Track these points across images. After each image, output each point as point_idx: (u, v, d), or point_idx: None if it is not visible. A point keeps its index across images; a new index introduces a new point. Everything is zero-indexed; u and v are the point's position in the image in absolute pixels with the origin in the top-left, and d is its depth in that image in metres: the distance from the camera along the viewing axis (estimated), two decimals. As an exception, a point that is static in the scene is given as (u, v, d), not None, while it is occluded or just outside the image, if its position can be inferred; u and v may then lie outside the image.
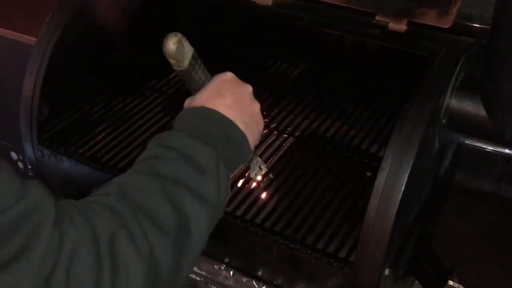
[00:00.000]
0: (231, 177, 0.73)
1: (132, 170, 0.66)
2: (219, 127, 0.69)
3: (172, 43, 0.70)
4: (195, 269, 1.02)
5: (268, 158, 1.05)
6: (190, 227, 0.61)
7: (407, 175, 0.77)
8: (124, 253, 0.55)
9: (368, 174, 1.02)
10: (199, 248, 0.64)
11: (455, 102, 0.88)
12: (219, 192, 0.66)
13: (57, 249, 0.51)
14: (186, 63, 0.71)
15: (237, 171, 1.02)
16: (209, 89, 0.74)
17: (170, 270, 0.59)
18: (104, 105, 1.18)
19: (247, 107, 0.74)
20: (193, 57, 0.72)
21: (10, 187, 0.50)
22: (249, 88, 0.77)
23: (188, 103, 0.76)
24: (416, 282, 1.02)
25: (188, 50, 0.71)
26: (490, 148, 1.07)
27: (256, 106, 0.77)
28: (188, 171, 0.64)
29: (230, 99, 0.72)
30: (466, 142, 1.08)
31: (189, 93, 0.78)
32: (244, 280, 0.98)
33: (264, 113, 1.18)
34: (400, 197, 0.77)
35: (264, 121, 1.14)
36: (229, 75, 0.76)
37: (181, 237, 0.60)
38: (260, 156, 1.06)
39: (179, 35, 0.70)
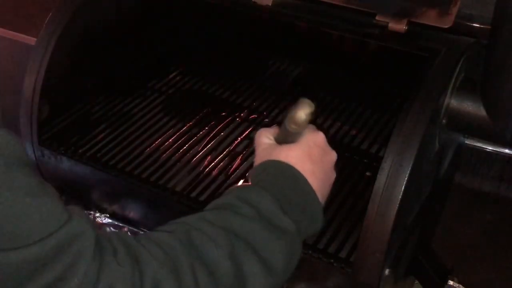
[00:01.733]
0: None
1: (205, 215, 0.62)
2: (304, 200, 0.66)
3: (305, 114, 0.66)
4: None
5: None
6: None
7: (407, 175, 0.77)
8: None
9: (368, 174, 1.02)
10: None
11: (455, 102, 0.88)
12: (287, 267, 0.63)
13: (94, 283, 0.49)
14: (302, 128, 0.68)
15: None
16: (300, 148, 0.69)
17: None
18: (104, 105, 1.18)
19: (329, 179, 0.72)
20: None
21: (53, 213, 0.49)
22: (334, 157, 0.74)
23: (269, 143, 0.72)
24: (416, 282, 1.02)
25: (311, 118, 0.68)
26: (490, 148, 1.07)
27: (334, 176, 0.74)
28: (262, 235, 0.61)
29: (319, 168, 0.69)
30: (466, 142, 1.08)
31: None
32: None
33: (264, 113, 1.18)
34: (400, 197, 0.77)
35: (265, 121, 1.15)
36: (321, 138, 0.72)
37: None
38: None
39: (313, 107, 0.66)
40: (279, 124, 0.73)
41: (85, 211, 1.05)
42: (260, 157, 0.72)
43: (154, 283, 0.52)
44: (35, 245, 0.47)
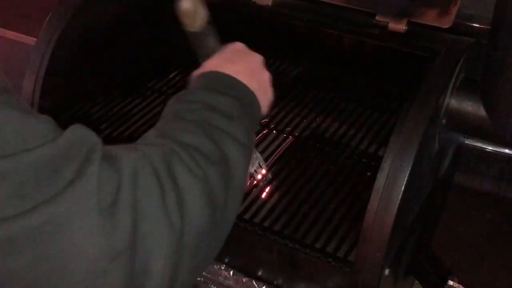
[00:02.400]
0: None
1: (161, 122, 0.64)
2: (233, 88, 0.68)
3: (191, 2, 0.69)
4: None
5: (268, 157, 1.05)
6: (230, 164, 0.60)
7: (407, 175, 0.77)
8: (183, 176, 0.54)
9: (368, 174, 1.02)
10: (240, 190, 0.63)
11: (455, 102, 0.88)
12: (249, 138, 0.65)
13: (117, 171, 0.49)
14: (198, 24, 0.70)
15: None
16: (219, 56, 0.74)
17: (222, 199, 0.58)
18: (104, 105, 1.18)
19: (257, 74, 0.74)
20: (207, 21, 0.71)
21: (52, 126, 0.49)
22: (259, 57, 0.77)
23: (196, 73, 0.75)
24: (416, 282, 1.02)
25: (203, 12, 0.70)
26: (490, 148, 1.07)
27: (266, 74, 0.76)
28: (217, 117, 0.63)
29: (240, 66, 0.72)
30: (466, 142, 1.08)
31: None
32: (244, 280, 0.98)
33: (264, 113, 1.18)
34: (400, 197, 0.77)
35: (264, 121, 1.15)
36: (239, 44, 0.77)
37: (225, 170, 0.60)
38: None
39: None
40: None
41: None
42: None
43: (165, 165, 0.53)
44: (50, 143, 0.47)
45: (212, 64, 0.72)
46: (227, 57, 0.73)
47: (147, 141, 0.59)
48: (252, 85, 0.71)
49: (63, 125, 0.50)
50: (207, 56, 0.74)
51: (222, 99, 0.65)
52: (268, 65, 1.35)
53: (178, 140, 0.58)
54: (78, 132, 0.50)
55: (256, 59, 0.77)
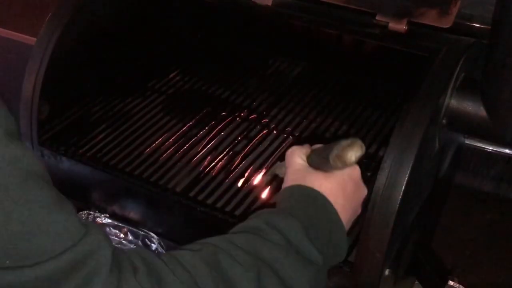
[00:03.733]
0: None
1: (233, 238, 0.61)
2: (332, 231, 0.66)
3: (355, 157, 0.65)
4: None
5: (268, 157, 1.05)
6: None
7: (407, 175, 0.77)
8: None
9: (368, 174, 1.02)
10: None
11: (455, 102, 0.88)
12: None
13: None
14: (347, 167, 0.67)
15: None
16: (336, 180, 0.69)
17: None
18: (104, 105, 1.18)
19: (355, 214, 0.73)
20: None
21: (68, 229, 0.48)
22: (365, 193, 0.74)
23: (303, 164, 0.71)
24: (416, 282, 1.02)
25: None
26: (490, 148, 1.07)
27: (359, 212, 0.75)
28: (289, 263, 0.60)
29: (349, 204, 0.69)
30: (466, 142, 1.08)
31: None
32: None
33: (264, 112, 1.18)
34: (400, 197, 0.77)
35: (264, 121, 1.15)
36: (357, 172, 0.72)
37: None
38: (259, 155, 1.06)
39: (364, 149, 0.66)
40: (308, 139, 0.73)
41: (93, 217, 1.06)
42: (292, 178, 0.71)
43: None
44: (50, 262, 0.46)
45: (327, 185, 0.68)
46: (343, 184, 0.69)
47: (191, 260, 0.55)
48: (347, 226, 0.69)
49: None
50: (326, 167, 0.69)
51: (308, 248, 0.62)
52: (268, 65, 1.36)
53: (221, 274, 0.55)
54: (88, 246, 0.48)
55: (363, 195, 0.74)
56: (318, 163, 0.70)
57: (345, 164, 0.66)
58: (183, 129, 1.13)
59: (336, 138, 0.68)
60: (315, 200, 0.67)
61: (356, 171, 0.72)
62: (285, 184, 0.71)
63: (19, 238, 0.45)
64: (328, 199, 0.67)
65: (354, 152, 0.65)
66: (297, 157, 0.72)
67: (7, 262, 0.45)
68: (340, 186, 0.69)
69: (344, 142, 0.65)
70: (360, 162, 0.69)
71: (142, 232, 1.03)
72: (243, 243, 0.60)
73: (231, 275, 0.56)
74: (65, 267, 0.47)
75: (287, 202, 0.67)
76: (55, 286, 0.46)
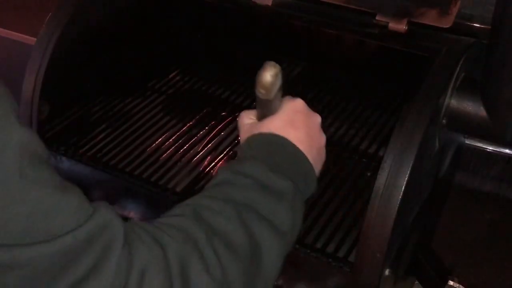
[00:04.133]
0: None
1: (205, 193, 0.63)
2: (293, 161, 0.67)
3: (270, 75, 0.66)
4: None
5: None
6: (262, 256, 0.59)
7: (407, 175, 0.77)
8: (196, 278, 0.53)
9: (368, 174, 1.02)
10: (270, 280, 0.62)
11: (455, 102, 0.88)
12: (294, 224, 0.64)
13: (127, 269, 0.49)
14: (273, 94, 0.68)
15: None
16: (281, 118, 0.70)
17: None
18: (104, 105, 1.18)
19: (316, 141, 0.72)
20: (279, 88, 0.68)
21: (79, 207, 0.49)
22: (318, 119, 0.74)
23: (251, 123, 0.72)
24: (416, 282, 1.02)
25: (279, 82, 0.68)
26: (490, 148, 1.07)
27: (323, 139, 0.74)
28: (264, 200, 0.62)
29: (302, 132, 0.70)
30: (466, 142, 1.08)
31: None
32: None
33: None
34: (400, 197, 0.77)
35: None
36: (300, 104, 0.73)
37: (252, 264, 0.58)
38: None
39: (278, 67, 0.67)
40: None
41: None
42: (243, 137, 0.72)
43: (180, 262, 0.53)
44: (67, 236, 0.47)
45: (275, 125, 0.69)
46: (290, 119, 0.70)
47: (177, 223, 0.57)
48: (312, 154, 0.70)
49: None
50: (270, 114, 0.71)
51: (275, 179, 0.63)
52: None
53: (209, 227, 0.57)
54: (102, 219, 0.50)
55: (317, 121, 0.74)
56: (261, 113, 0.71)
57: (266, 88, 0.66)
58: (183, 129, 1.13)
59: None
60: (268, 140, 0.68)
61: (298, 103, 0.72)
62: (240, 141, 0.73)
63: (36, 217, 0.46)
64: (280, 135, 0.68)
65: (268, 72, 0.66)
66: (245, 118, 0.74)
67: (27, 239, 0.45)
68: (286, 122, 0.69)
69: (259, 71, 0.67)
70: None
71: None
72: (216, 194, 0.62)
73: (216, 226, 0.57)
74: (82, 241, 0.48)
75: (244, 152, 0.69)
76: (75, 259, 0.47)
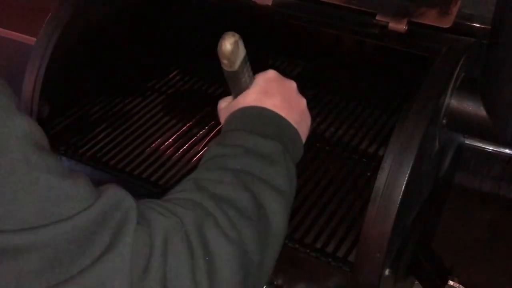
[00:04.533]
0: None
1: (201, 168, 0.64)
2: (275, 125, 0.68)
3: (229, 44, 0.67)
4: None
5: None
6: (268, 217, 0.60)
7: (407, 175, 0.77)
8: (215, 241, 0.54)
9: (368, 174, 1.02)
10: (279, 241, 0.62)
11: (455, 102, 0.88)
12: (290, 183, 0.65)
13: (150, 239, 0.50)
14: (237, 64, 0.68)
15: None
16: (254, 90, 0.71)
17: (257, 258, 0.57)
18: (104, 105, 1.18)
19: (295, 105, 0.73)
20: (244, 59, 0.69)
21: (88, 190, 0.49)
22: (293, 84, 0.75)
23: (227, 105, 0.73)
24: (416, 282, 1.02)
25: (242, 52, 0.68)
26: (490, 148, 1.07)
27: (303, 102, 0.75)
28: (257, 164, 0.62)
29: (278, 99, 0.70)
30: (466, 142, 1.08)
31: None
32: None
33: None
34: (400, 197, 0.77)
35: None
36: (272, 73, 0.74)
37: (262, 226, 0.59)
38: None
39: (237, 36, 0.67)
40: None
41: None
42: (223, 117, 0.73)
43: (198, 228, 0.53)
44: (80, 215, 0.47)
45: (250, 98, 0.70)
46: (263, 90, 0.71)
47: (183, 196, 0.58)
48: (292, 117, 0.70)
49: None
50: (242, 90, 0.72)
51: (263, 143, 0.64)
52: (268, 65, 1.35)
53: (214, 194, 0.58)
54: (112, 198, 0.50)
55: (292, 86, 0.74)
56: (235, 92, 0.72)
57: (227, 58, 0.67)
58: (183, 129, 1.13)
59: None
60: (247, 113, 0.69)
61: (269, 73, 0.73)
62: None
63: (48, 202, 0.46)
64: (257, 105, 0.69)
65: (227, 41, 0.67)
66: (222, 103, 0.75)
67: (40, 221, 0.45)
68: (260, 92, 0.70)
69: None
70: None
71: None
72: (211, 167, 0.63)
73: (220, 193, 0.58)
74: (96, 217, 0.48)
75: (226, 126, 0.70)
76: (91, 236, 0.47)
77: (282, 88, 0.72)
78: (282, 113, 0.69)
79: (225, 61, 0.68)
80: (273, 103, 0.69)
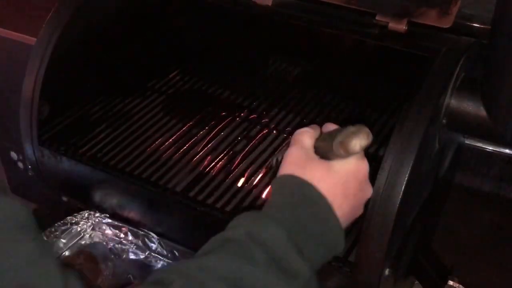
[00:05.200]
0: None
1: (209, 260, 0.56)
2: (326, 233, 0.61)
3: (359, 145, 0.60)
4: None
5: (268, 157, 1.05)
6: None
7: (407, 175, 0.77)
8: None
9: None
10: None
11: (455, 102, 0.88)
12: None
13: None
14: (351, 156, 0.63)
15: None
16: (337, 176, 0.63)
17: None
18: (104, 105, 1.18)
19: (354, 216, 0.68)
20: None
21: (50, 280, 0.48)
22: (370, 194, 0.70)
23: (305, 157, 0.65)
24: (416, 282, 1.02)
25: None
26: (490, 148, 1.07)
27: (360, 213, 0.69)
28: (271, 281, 0.55)
29: (348, 203, 0.64)
30: (466, 142, 1.08)
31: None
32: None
33: (264, 112, 1.18)
34: (400, 197, 0.77)
35: (264, 121, 1.15)
36: (364, 170, 0.66)
37: None
38: (259, 155, 1.06)
39: (371, 138, 0.60)
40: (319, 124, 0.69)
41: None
42: (291, 161, 0.65)
43: None
44: None
45: (327, 182, 0.62)
46: (344, 182, 0.64)
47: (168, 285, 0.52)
48: (345, 224, 0.64)
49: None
50: (330, 153, 0.64)
51: (294, 258, 0.57)
52: (268, 65, 1.36)
53: None
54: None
55: (366, 197, 0.68)
56: (323, 148, 0.65)
57: (348, 153, 0.61)
58: (183, 129, 1.13)
59: (346, 123, 0.64)
60: (309, 198, 0.62)
61: (363, 168, 0.66)
62: (283, 167, 0.65)
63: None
64: (324, 196, 0.62)
65: (359, 140, 0.60)
66: (306, 137, 0.66)
67: None
68: (340, 184, 0.63)
69: (350, 129, 0.61)
70: (367, 154, 0.65)
71: (142, 232, 1.03)
72: (217, 266, 0.55)
73: None
74: None
75: (277, 196, 0.63)
76: None
77: (359, 193, 0.66)
78: (343, 219, 0.63)
79: (342, 152, 0.61)
80: (340, 204, 0.63)
